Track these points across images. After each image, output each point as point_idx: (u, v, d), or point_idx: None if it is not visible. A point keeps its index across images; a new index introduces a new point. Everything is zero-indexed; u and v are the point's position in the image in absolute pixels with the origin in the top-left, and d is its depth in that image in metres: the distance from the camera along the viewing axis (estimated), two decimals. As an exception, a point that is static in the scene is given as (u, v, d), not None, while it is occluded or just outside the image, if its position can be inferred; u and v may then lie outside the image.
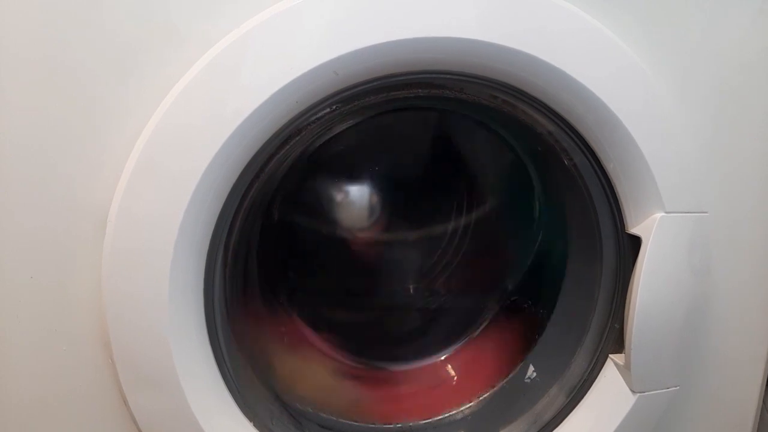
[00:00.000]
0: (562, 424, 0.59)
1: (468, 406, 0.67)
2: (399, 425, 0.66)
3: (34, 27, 0.42)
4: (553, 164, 0.58)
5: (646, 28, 0.50)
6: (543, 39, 0.46)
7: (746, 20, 0.53)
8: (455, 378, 0.72)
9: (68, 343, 0.47)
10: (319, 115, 0.47)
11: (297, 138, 0.48)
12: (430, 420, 0.67)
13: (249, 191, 0.49)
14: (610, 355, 0.57)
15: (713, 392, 0.62)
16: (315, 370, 0.71)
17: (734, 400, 0.64)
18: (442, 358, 0.75)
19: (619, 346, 0.56)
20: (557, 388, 0.61)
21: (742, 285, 0.60)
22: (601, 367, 0.57)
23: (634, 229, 0.53)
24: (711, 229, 0.54)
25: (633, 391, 0.55)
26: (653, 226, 0.50)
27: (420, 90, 0.50)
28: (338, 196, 0.76)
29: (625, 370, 0.55)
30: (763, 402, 0.66)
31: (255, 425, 0.51)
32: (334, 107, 0.48)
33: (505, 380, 0.67)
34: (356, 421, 0.65)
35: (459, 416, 0.67)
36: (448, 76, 0.48)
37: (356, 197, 0.76)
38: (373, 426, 0.65)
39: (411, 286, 0.81)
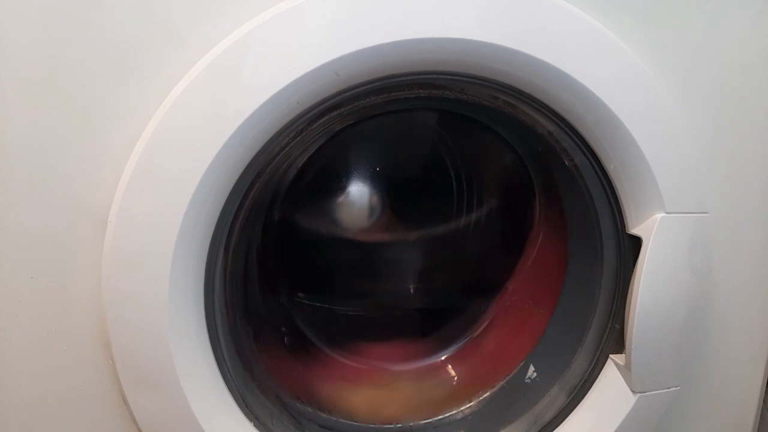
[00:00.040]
0: (562, 424, 0.59)
1: (468, 406, 0.67)
2: (399, 425, 0.66)
3: (34, 27, 0.42)
4: (554, 165, 0.58)
5: (647, 29, 0.50)
6: (543, 40, 0.46)
7: (747, 21, 0.53)
8: (455, 378, 0.72)
9: (68, 343, 0.47)
10: (320, 114, 0.47)
11: (298, 138, 0.48)
12: (430, 420, 0.67)
13: (250, 191, 0.49)
14: (610, 356, 0.57)
15: (714, 392, 0.62)
16: (315, 371, 0.71)
17: (735, 400, 0.64)
18: (442, 358, 0.75)
19: (619, 346, 0.56)
20: (557, 388, 0.61)
21: (743, 285, 0.60)
22: (602, 368, 0.57)
23: (634, 230, 0.53)
24: (712, 230, 0.54)
25: (633, 392, 0.55)
26: (654, 227, 0.50)
27: (421, 91, 0.50)
28: (339, 196, 0.76)
29: (625, 370, 0.55)
30: (764, 402, 0.66)
31: (255, 425, 0.51)
32: (335, 108, 0.48)
33: (505, 380, 0.67)
34: (356, 421, 0.65)
35: (459, 416, 0.67)
36: (449, 77, 0.48)
37: (356, 197, 0.76)
38: (373, 426, 0.65)
39: (411, 286, 0.81)
